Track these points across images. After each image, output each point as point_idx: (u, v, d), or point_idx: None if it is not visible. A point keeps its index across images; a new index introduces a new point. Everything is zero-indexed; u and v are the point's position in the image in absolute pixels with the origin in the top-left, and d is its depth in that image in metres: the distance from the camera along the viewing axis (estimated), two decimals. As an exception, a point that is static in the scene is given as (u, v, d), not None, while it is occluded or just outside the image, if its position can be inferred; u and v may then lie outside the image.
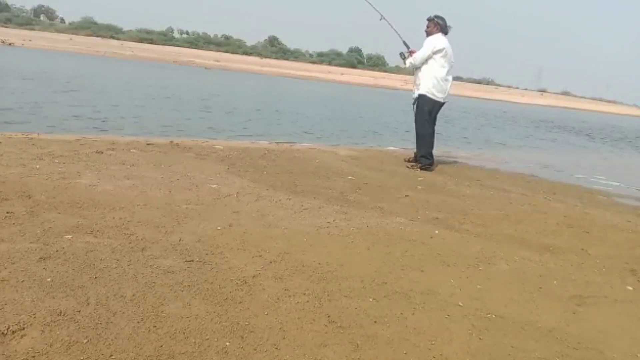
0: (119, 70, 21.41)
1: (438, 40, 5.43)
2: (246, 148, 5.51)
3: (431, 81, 5.46)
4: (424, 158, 5.59)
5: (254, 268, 2.25)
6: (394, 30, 5.91)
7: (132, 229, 2.53)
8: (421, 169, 5.51)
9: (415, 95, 5.62)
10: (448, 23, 5.51)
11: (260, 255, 2.40)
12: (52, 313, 1.69)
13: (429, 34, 5.52)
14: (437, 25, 5.48)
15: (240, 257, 2.35)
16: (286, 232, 2.78)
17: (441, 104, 5.62)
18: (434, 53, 5.42)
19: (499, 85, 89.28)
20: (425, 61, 5.48)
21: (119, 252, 2.24)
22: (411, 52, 5.69)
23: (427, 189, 4.42)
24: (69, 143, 4.51)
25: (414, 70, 5.66)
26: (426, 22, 5.56)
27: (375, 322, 1.91)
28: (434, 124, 5.72)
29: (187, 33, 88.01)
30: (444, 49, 5.40)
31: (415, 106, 5.65)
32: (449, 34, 5.56)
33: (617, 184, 6.47)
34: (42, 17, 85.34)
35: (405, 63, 5.72)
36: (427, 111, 5.54)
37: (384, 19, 5.89)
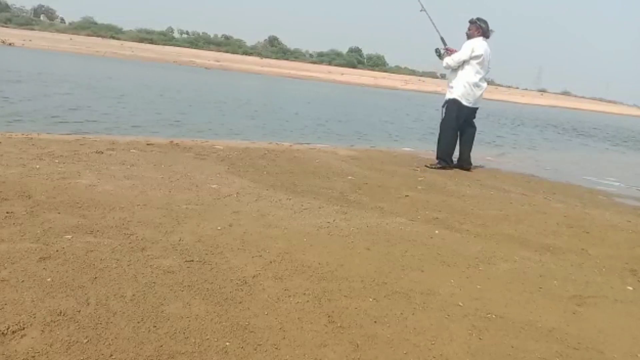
0: (133, 71, 21.48)
1: (478, 44, 5.36)
2: (246, 148, 5.51)
3: (464, 87, 5.42)
4: (442, 160, 5.63)
5: (254, 268, 2.25)
6: (433, 24, 5.81)
7: (132, 229, 2.53)
8: (433, 167, 5.57)
9: (447, 98, 5.58)
10: (490, 27, 5.42)
11: (260, 255, 2.40)
12: (52, 313, 1.69)
13: (469, 36, 5.44)
14: (480, 28, 5.41)
15: (240, 257, 2.35)
16: (286, 232, 2.78)
17: (472, 109, 5.59)
18: (472, 58, 5.35)
19: (499, 85, 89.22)
20: (461, 65, 5.42)
21: (119, 252, 2.24)
22: (448, 50, 5.61)
23: (427, 189, 4.42)
24: (68, 143, 4.51)
25: (449, 71, 5.59)
26: (468, 25, 5.48)
27: (375, 322, 1.91)
28: (474, 130, 5.75)
29: (187, 33, 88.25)
30: (482, 55, 5.33)
31: (444, 109, 5.62)
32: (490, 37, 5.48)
33: (618, 184, 6.47)
34: (42, 17, 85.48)
35: (442, 61, 5.62)
36: (454, 117, 5.53)
37: (424, 10, 5.77)
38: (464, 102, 5.48)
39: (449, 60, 5.53)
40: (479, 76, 5.43)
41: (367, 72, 66.13)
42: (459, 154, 5.78)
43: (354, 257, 2.53)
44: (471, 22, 5.48)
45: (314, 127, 9.57)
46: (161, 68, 26.59)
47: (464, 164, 5.73)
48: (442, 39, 5.72)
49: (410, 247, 2.79)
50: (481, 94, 5.56)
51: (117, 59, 29.69)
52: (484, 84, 5.56)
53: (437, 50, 5.70)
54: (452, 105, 5.53)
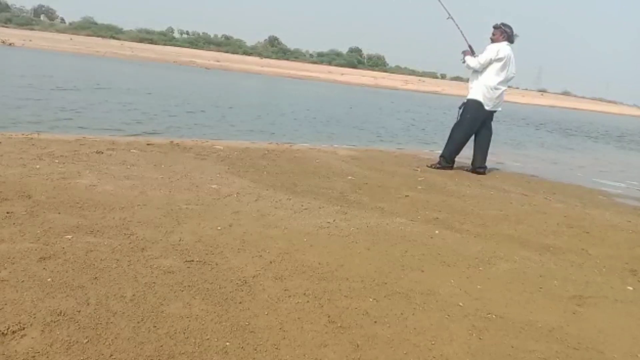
0: (157, 73, 21.45)
1: (502, 48, 5.35)
2: (246, 148, 5.51)
3: (482, 89, 5.41)
4: (442, 158, 5.62)
5: (254, 268, 2.25)
6: (460, 31, 5.79)
7: (132, 229, 2.53)
8: (433, 167, 5.56)
9: (466, 98, 5.56)
10: (515, 32, 5.41)
11: (260, 255, 2.40)
12: (52, 313, 1.69)
13: (494, 41, 5.42)
14: (504, 33, 5.39)
15: (240, 257, 2.35)
16: (286, 232, 2.78)
17: (490, 113, 5.56)
18: (495, 61, 5.34)
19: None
20: (484, 67, 5.41)
21: (119, 252, 2.24)
22: (465, 53, 5.61)
23: (427, 189, 4.42)
24: (68, 143, 4.51)
25: (471, 72, 5.59)
26: (492, 30, 5.46)
27: (375, 322, 1.91)
28: (490, 133, 5.69)
29: (187, 33, 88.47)
30: (504, 58, 5.32)
31: (460, 110, 5.60)
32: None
33: (619, 184, 6.47)
34: (42, 17, 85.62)
35: (464, 60, 5.60)
36: (469, 117, 5.51)
37: (451, 18, 5.75)
38: (483, 105, 5.44)
39: (471, 60, 5.50)
40: (498, 79, 5.39)
41: (368, 72, 66.17)
42: (473, 159, 5.69)
43: (354, 257, 2.53)
44: (495, 27, 5.45)
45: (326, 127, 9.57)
46: (167, 69, 26.56)
47: (478, 169, 5.63)
48: (470, 46, 5.64)
49: (410, 247, 2.79)
50: (500, 97, 5.51)
51: (117, 59, 29.68)
52: (503, 87, 5.50)
53: (464, 53, 5.67)
54: (471, 106, 5.49)
